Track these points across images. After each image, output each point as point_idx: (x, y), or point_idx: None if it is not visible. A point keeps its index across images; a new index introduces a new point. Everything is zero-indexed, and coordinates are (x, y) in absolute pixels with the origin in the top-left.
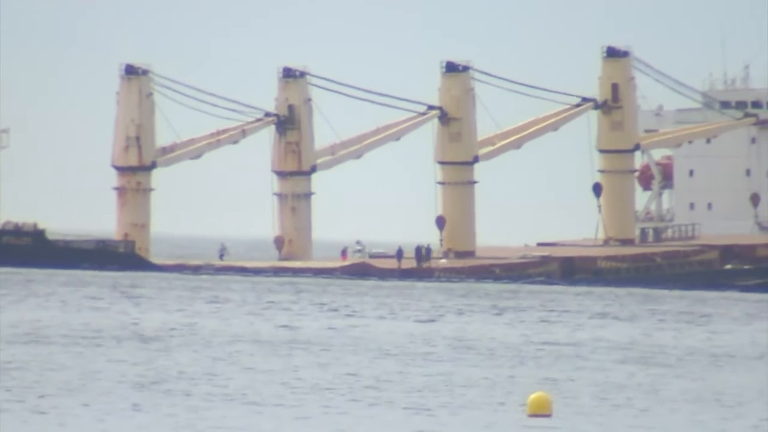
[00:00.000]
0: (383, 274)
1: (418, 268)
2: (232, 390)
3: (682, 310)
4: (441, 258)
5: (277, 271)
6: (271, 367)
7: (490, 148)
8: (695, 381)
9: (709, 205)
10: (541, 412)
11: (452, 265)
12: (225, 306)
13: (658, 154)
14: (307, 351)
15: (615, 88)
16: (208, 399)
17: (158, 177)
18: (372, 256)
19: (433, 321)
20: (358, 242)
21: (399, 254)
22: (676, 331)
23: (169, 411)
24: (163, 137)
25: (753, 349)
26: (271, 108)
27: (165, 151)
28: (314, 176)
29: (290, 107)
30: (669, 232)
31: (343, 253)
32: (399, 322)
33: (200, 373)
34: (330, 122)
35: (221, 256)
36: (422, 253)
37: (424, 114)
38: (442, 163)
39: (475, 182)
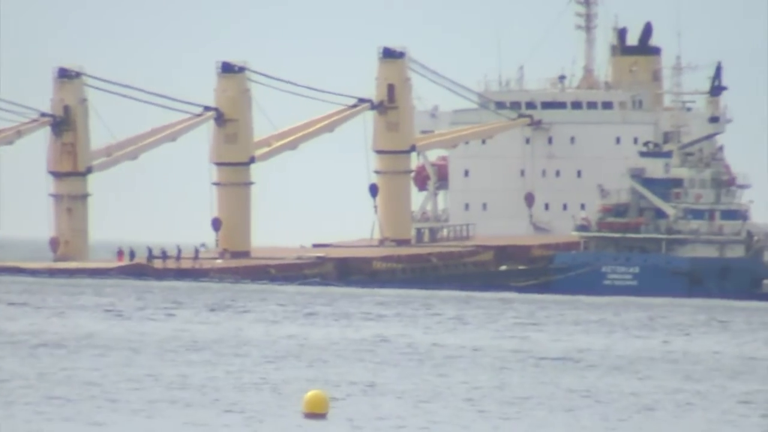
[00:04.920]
0: (159, 275)
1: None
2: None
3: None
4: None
5: (53, 273)
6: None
7: (267, 148)
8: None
9: (485, 206)
10: (316, 411)
11: (228, 265)
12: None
13: (433, 155)
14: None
15: (391, 88)
16: None
17: None
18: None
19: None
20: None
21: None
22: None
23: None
24: None
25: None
26: (46, 108)
27: None
28: (90, 177)
29: (66, 108)
30: (444, 233)
31: (119, 253)
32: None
33: None
34: (106, 123)
35: None
36: (152, 254)
37: (199, 115)
38: (218, 164)
39: (251, 183)
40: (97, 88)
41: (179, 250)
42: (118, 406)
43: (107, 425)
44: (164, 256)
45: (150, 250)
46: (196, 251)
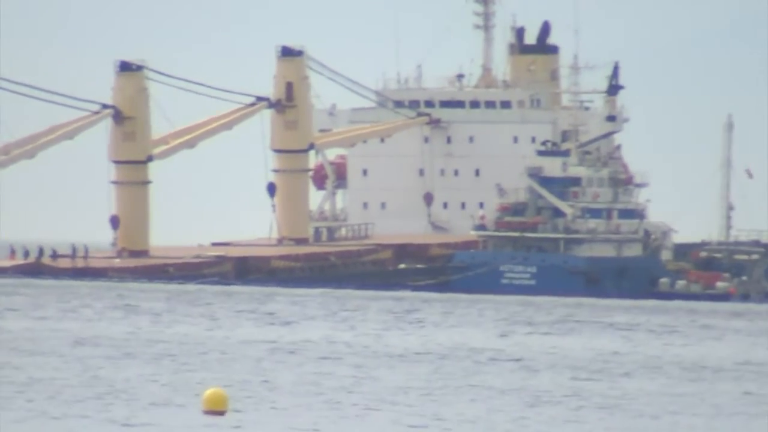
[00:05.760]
0: (57, 273)
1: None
2: None
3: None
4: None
5: None
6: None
7: (165, 147)
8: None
9: (383, 205)
10: (216, 408)
11: (126, 264)
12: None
13: (332, 154)
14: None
15: (289, 87)
16: None
17: None
18: None
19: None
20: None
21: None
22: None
23: None
24: None
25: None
26: None
27: None
28: None
29: None
30: (343, 232)
31: (11, 252)
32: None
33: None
34: (4, 122)
35: None
36: (41, 253)
37: (97, 113)
38: (116, 162)
39: (149, 181)
40: None
41: (74, 249)
42: (12, 405)
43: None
44: (54, 255)
45: (41, 249)
46: (86, 250)
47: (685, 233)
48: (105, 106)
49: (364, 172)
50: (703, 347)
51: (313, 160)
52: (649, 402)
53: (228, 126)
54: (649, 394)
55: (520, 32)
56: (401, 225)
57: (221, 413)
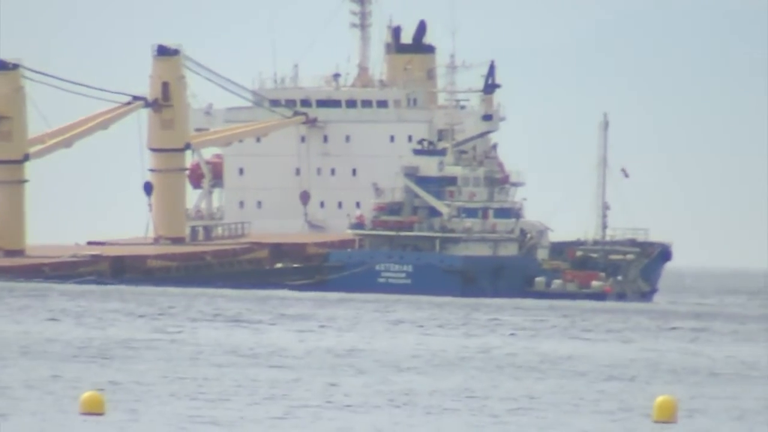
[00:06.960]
0: None
1: None
2: None
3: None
4: None
5: None
6: None
7: (41, 146)
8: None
9: (259, 204)
10: (94, 411)
11: (1, 263)
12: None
13: (208, 153)
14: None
15: (165, 86)
16: None
17: None
18: None
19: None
20: None
21: None
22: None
23: None
24: None
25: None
26: None
27: None
28: None
29: None
30: (219, 231)
31: None
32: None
33: None
34: None
35: None
36: None
37: None
38: None
39: (25, 181)
40: None
41: None
42: None
43: None
44: None
45: None
46: None
47: (561, 232)
48: None
49: (241, 171)
50: (571, 345)
51: (189, 159)
52: (507, 398)
53: (104, 125)
54: (509, 390)
55: (396, 31)
56: (278, 224)
57: (99, 415)
